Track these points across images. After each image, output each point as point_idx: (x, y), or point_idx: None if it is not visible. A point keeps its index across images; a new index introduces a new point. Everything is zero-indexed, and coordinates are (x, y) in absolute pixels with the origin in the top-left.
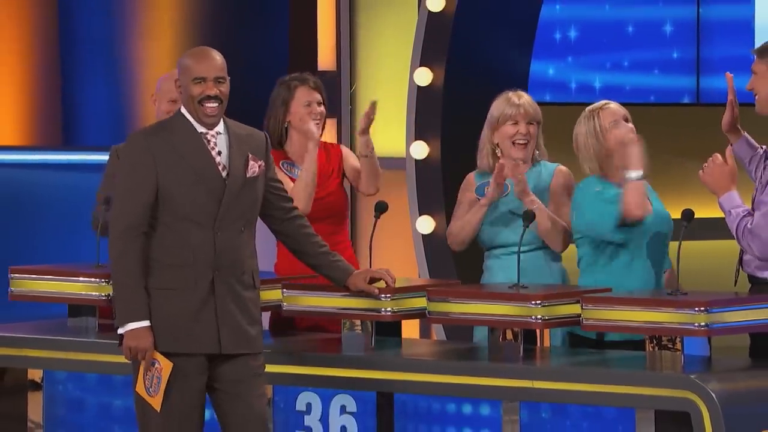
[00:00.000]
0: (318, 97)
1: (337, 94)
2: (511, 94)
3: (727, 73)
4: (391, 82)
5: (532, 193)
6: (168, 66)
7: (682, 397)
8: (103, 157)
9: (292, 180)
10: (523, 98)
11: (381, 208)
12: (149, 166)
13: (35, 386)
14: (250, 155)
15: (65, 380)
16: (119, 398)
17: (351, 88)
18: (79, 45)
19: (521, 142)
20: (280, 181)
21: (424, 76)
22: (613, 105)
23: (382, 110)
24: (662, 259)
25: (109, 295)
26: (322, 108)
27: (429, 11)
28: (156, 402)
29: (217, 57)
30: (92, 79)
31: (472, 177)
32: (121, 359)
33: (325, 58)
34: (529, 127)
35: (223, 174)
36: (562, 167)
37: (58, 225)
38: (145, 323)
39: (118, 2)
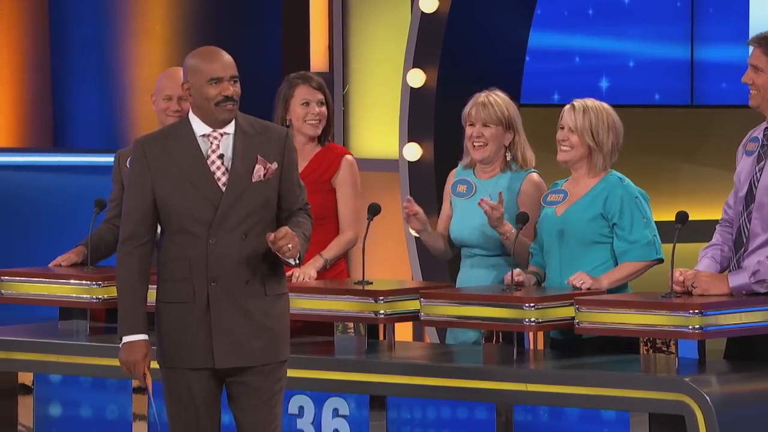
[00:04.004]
0: (319, 96)
1: (330, 95)
2: (482, 94)
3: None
4: (383, 83)
5: (507, 223)
6: (159, 68)
7: (676, 400)
8: (93, 159)
9: None
10: (491, 98)
11: (374, 211)
12: (145, 175)
13: (26, 390)
14: (258, 157)
15: (56, 384)
16: (111, 402)
17: (344, 90)
18: (70, 47)
19: (477, 144)
20: (299, 185)
21: (416, 78)
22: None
23: (375, 112)
24: None
25: (100, 297)
26: (323, 108)
27: (422, 12)
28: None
29: (228, 56)
30: (83, 81)
31: (452, 172)
32: (113, 362)
33: (318, 59)
34: (485, 129)
35: (222, 179)
36: (533, 175)
37: (49, 227)
38: (139, 337)
39: (110, 4)
